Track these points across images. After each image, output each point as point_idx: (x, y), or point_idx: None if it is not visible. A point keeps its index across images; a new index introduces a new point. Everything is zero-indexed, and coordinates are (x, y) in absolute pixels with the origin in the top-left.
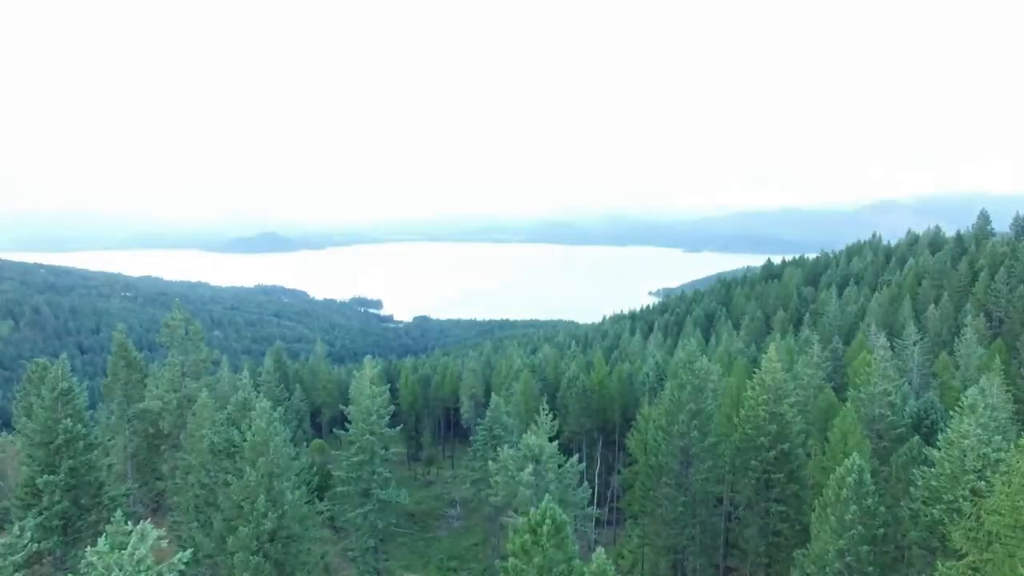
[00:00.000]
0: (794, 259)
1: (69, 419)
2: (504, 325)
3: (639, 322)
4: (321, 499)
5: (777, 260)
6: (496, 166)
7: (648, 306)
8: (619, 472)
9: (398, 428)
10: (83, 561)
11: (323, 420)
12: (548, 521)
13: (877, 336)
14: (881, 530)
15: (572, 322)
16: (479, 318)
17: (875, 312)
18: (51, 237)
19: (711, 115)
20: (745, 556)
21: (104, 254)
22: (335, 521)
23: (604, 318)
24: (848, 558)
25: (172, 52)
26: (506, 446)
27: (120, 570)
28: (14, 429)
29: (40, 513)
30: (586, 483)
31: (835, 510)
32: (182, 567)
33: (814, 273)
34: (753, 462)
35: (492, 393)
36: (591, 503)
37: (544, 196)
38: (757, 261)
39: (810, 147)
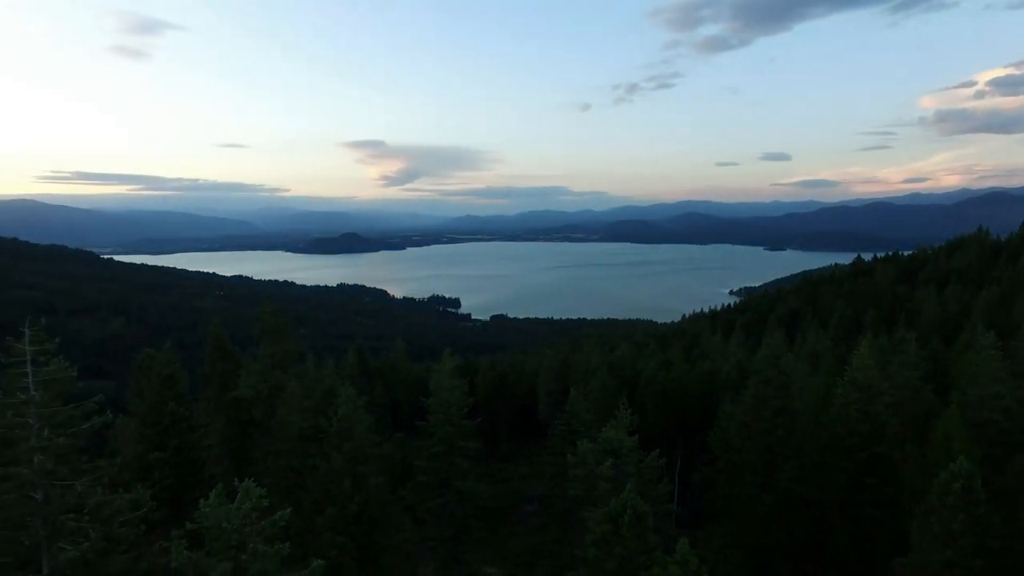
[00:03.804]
0: (887, 256)
1: (174, 402)
2: (580, 324)
3: (719, 321)
4: (402, 488)
5: (867, 257)
6: (570, 165)
7: (728, 305)
8: (700, 470)
9: (476, 422)
10: (197, 512)
11: (403, 414)
12: (629, 511)
13: (985, 336)
14: (997, 543)
15: (650, 321)
16: (556, 317)
17: (981, 311)
18: (155, 240)
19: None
20: (835, 562)
21: (200, 255)
22: (415, 511)
23: (683, 317)
24: (957, 570)
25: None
26: (584, 440)
27: (228, 522)
28: (128, 411)
29: (152, 486)
30: (666, 479)
31: (940, 518)
32: (283, 524)
33: (909, 270)
34: (843, 463)
35: (570, 389)
36: (671, 500)
37: (620, 194)
38: (844, 259)
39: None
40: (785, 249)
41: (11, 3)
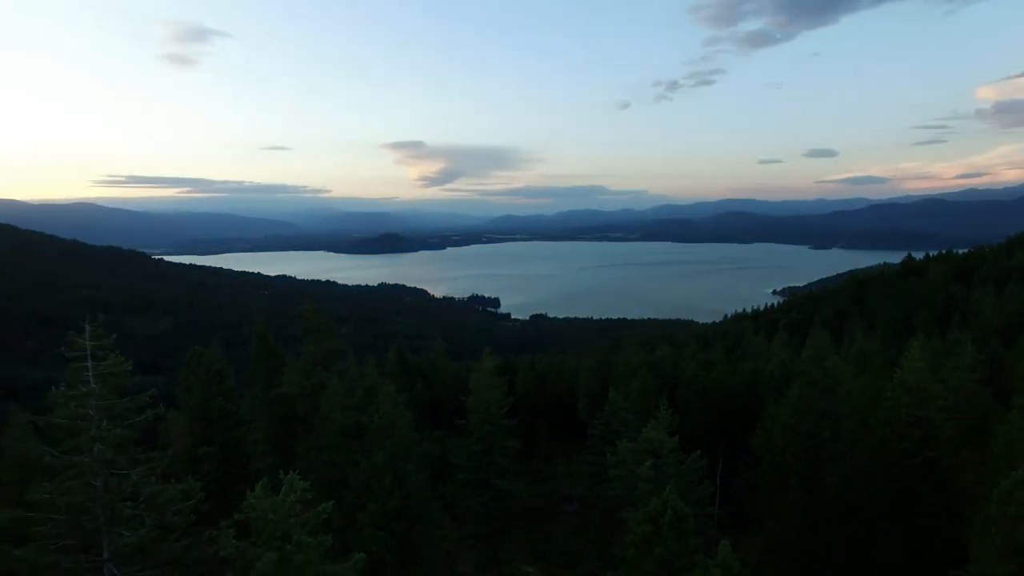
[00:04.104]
0: (940, 254)
1: (221, 398)
2: (620, 324)
3: (762, 322)
4: (441, 486)
5: (919, 256)
6: (609, 164)
7: (771, 305)
8: (742, 473)
9: (515, 421)
10: (244, 503)
11: (442, 413)
12: (669, 512)
13: None
14: None
15: (691, 322)
16: (595, 317)
17: None
18: (203, 241)
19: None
20: (884, 572)
21: (245, 256)
22: (454, 509)
23: (725, 317)
24: None
25: None
26: (624, 440)
27: (273, 513)
28: (177, 406)
29: (201, 478)
30: (707, 481)
31: (1000, 529)
32: (325, 517)
33: (964, 269)
34: (893, 469)
35: (610, 389)
36: (712, 502)
37: (660, 192)
38: (893, 258)
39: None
40: (831, 248)
41: (72, 19)
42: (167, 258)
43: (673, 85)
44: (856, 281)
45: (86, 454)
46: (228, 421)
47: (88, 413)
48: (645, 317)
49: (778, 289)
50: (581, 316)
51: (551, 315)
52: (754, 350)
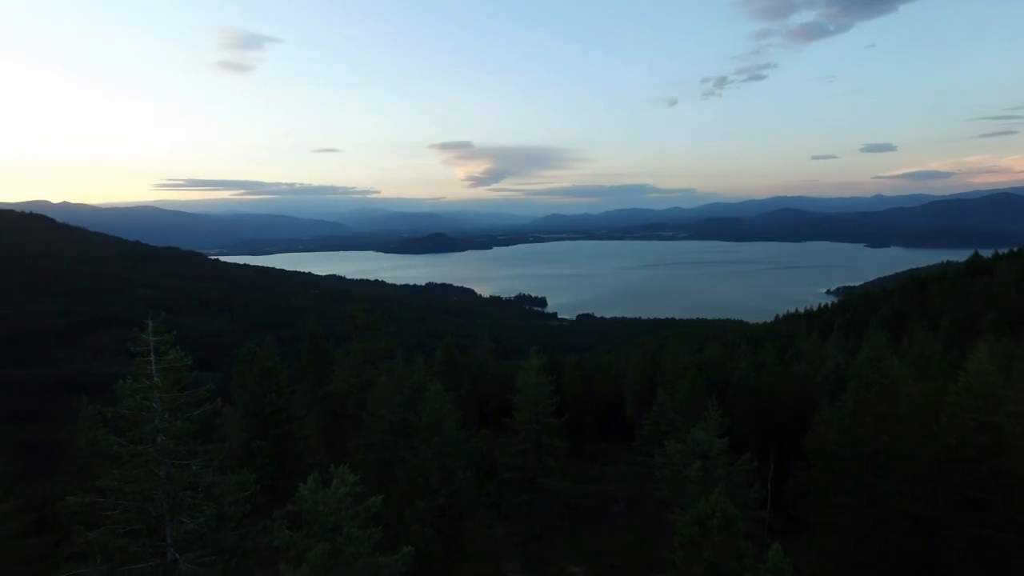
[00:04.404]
0: (1011, 252)
1: (274, 394)
2: (669, 324)
3: (815, 322)
4: (488, 484)
5: (987, 254)
6: (657, 162)
7: (825, 305)
8: (794, 477)
9: (562, 420)
10: (296, 495)
11: (489, 411)
12: (718, 514)
13: None
14: None
15: (741, 322)
16: (642, 316)
17: None
18: (256, 241)
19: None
20: None
21: (297, 256)
22: (501, 507)
23: (776, 318)
24: None
25: None
26: (672, 441)
27: (324, 505)
28: (232, 402)
29: (254, 471)
30: (757, 484)
31: None
32: (374, 510)
33: None
34: (957, 476)
35: (657, 389)
36: (763, 506)
37: (709, 190)
38: (957, 256)
39: None
40: (888, 246)
41: (131, 31)
42: (223, 258)
43: (722, 81)
44: (917, 280)
45: (150, 444)
46: (280, 417)
47: (151, 405)
48: (693, 317)
49: (832, 289)
50: (628, 316)
51: (598, 314)
52: (807, 351)
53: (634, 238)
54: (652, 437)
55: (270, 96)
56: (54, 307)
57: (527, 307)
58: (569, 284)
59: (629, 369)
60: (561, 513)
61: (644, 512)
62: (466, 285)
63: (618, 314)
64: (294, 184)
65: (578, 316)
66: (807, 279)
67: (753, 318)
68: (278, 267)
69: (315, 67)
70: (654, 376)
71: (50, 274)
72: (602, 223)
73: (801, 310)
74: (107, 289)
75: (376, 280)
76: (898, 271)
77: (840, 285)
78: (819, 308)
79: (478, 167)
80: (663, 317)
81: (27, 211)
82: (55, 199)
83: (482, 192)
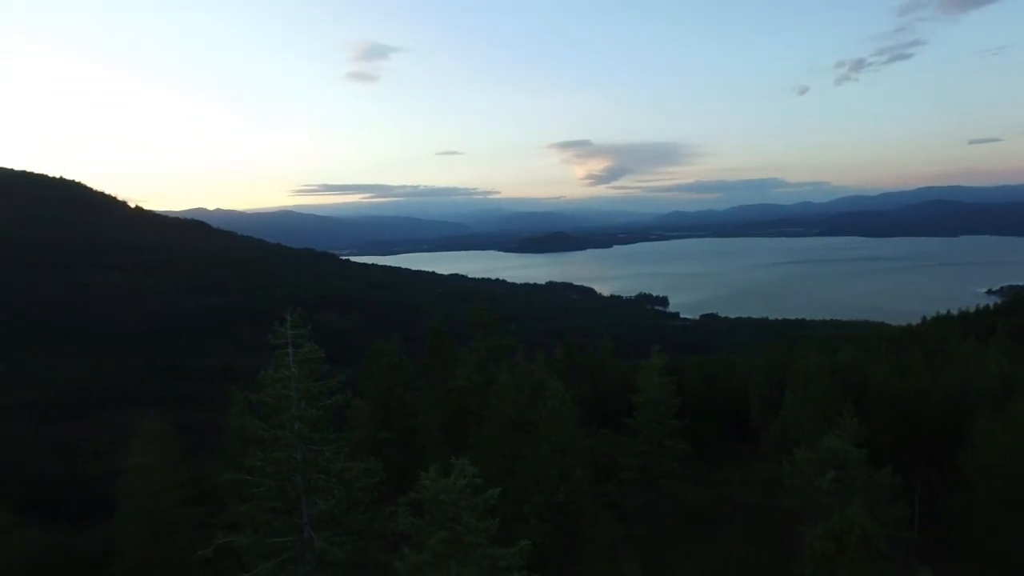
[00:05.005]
0: None
1: (399, 388)
2: (798, 325)
3: (972, 324)
4: (607, 484)
5: None
6: (785, 155)
7: (986, 306)
8: (948, 496)
9: (684, 422)
10: (418, 483)
11: (609, 410)
12: (856, 530)
13: None
14: None
15: (880, 323)
16: (770, 317)
17: None
18: (383, 242)
19: None
20: None
21: (421, 256)
22: (619, 508)
23: (923, 319)
24: None
25: None
26: (802, 448)
27: (445, 495)
28: (361, 394)
29: (381, 461)
30: (903, 501)
31: None
32: (492, 502)
33: None
34: None
35: (786, 393)
36: (910, 527)
37: (844, 183)
38: None
39: None
40: None
41: (270, 51)
42: (352, 258)
43: (859, 64)
44: None
45: (288, 429)
46: (405, 410)
47: (289, 394)
48: (826, 318)
49: (995, 288)
50: (755, 316)
51: (722, 314)
52: (962, 357)
53: (760, 235)
54: (779, 443)
55: (396, 103)
56: (210, 303)
57: (648, 306)
58: (692, 283)
59: (755, 371)
60: (682, 517)
61: (770, 522)
62: (586, 284)
63: (744, 314)
64: (418, 186)
65: (701, 316)
66: (962, 277)
67: (895, 320)
68: (404, 267)
69: (438, 73)
70: (782, 379)
71: (207, 274)
72: (726, 220)
73: (954, 311)
74: (253, 287)
75: (497, 279)
76: None
77: (1005, 284)
78: (977, 309)
79: (597, 165)
80: (792, 318)
81: (188, 218)
82: (210, 206)
83: (602, 190)
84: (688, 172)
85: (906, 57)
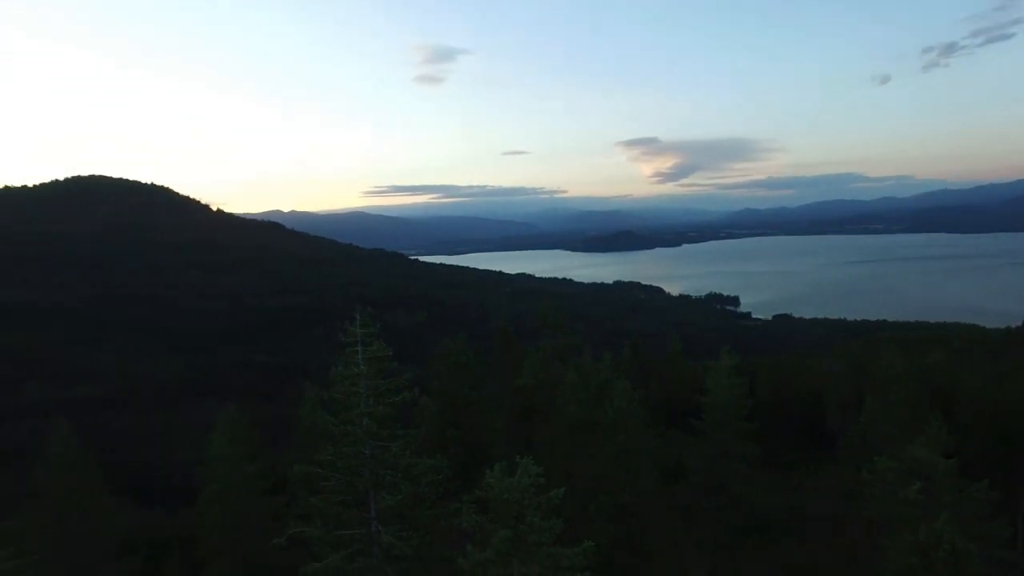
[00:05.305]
0: None
1: (466, 386)
2: (880, 326)
3: None
4: (674, 487)
5: None
6: (865, 147)
7: None
8: None
9: (756, 425)
10: (483, 481)
11: (676, 411)
12: (946, 546)
13: None
14: None
15: (973, 326)
16: (848, 318)
17: None
18: (450, 242)
19: None
20: None
21: (488, 255)
22: (687, 512)
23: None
24: None
25: None
26: (884, 457)
27: (509, 493)
28: (428, 392)
29: (447, 458)
30: (1000, 519)
31: None
32: (556, 502)
33: None
34: None
35: (866, 397)
36: (1012, 546)
37: (930, 176)
38: None
39: None
40: None
41: (341, 58)
42: (421, 258)
43: (949, 48)
44: None
45: (357, 425)
46: (472, 408)
47: (359, 391)
48: (911, 319)
49: None
50: (831, 317)
51: (797, 315)
52: None
53: (837, 232)
54: (858, 450)
55: (462, 104)
56: (285, 302)
57: (718, 306)
58: (764, 282)
59: (832, 373)
60: (752, 524)
61: (846, 532)
62: (654, 283)
63: (820, 315)
64: (485, 186)
65: (774, 316)
66: None
67: (990, 323)
68: (471, 266)
69: (503, 74)
70: (862, 382)
71: (282, 274)
72: (800, 217)
73: None
74: (325, 286)
75: (564, 278)
76: None
77: None
78: None
79: (665, 163)
80: (873, 319)
81: (265, 220)
82: (286, 208)
83: (670, 188)
84: (760, 168)
85: (1006, 37)
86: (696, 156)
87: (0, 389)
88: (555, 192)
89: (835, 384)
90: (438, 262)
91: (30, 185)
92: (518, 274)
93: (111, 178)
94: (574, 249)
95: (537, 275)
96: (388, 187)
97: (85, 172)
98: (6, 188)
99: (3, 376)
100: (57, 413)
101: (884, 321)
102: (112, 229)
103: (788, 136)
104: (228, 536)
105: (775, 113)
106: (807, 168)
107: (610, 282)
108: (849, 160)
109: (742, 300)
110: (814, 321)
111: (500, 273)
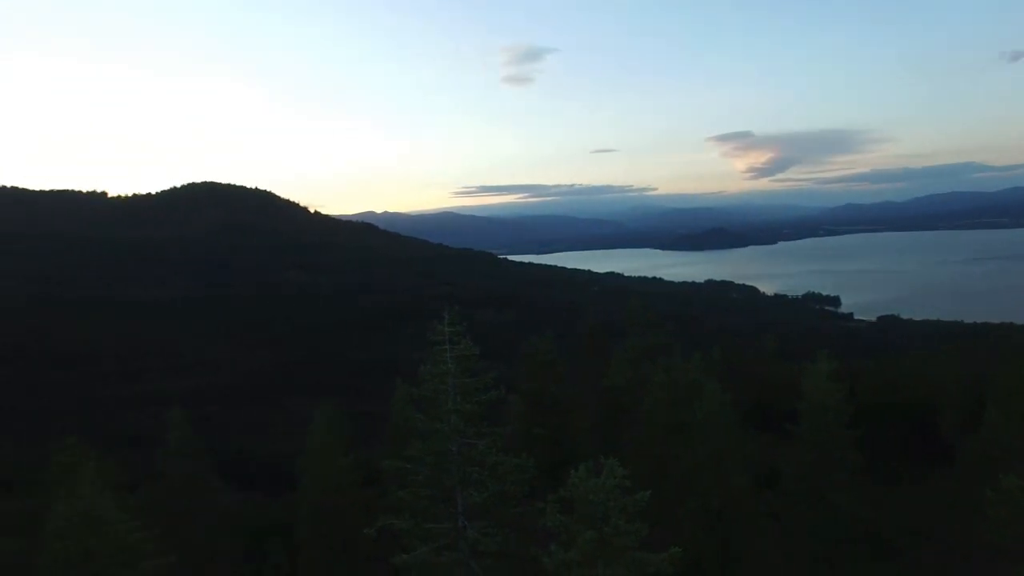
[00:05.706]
0: None
1: (553, 385)
2: (1002, 330)
3: None
4: (768, 493)
5: None
6: (987, 134)
7: None
8: None
9: (857, 433)
10: (568, 481)
11: (770, 415)
12: None
13: None
14: None
15: None
16: (965, 320)
17: None
18: (538, 241)
19: None
20: None
21: (576, 254)
22: (781, 520)
23: None
24: None
25: None
26: (1012, 475)
27: (594, 494)
28: (515, 391)
29: (533, 456)
30: None
31: None
32: (642, 505)
33: None
34: None
35: (987, 407)
36: None
37: None
38: None
39: None
40: None
41: (433, 62)
42: (509, 257)
43: None
44: None
45: (445, 422)
46: (558, 407)
47: (446, 389)
48: None
49: None
50: (945, 319)
51: (904, 316)
52: None
53: (954, 227)
54: (978, 465)
55: (549, 103)
56: (378, 301)
57: (817, 306)
58: (868, 281)
59: (947, 379)
60: (852, 537)
61: (962, 555)
62: (748, 282)
63: (931, 316)
64: (573, 185)
65: (879, 317)
66: None
67: None
68: (559, 265)
69: (590, 71)
70: (983, 390)
71: (375, 273)
72: (909, 211)
73: None
74: (416, 285)
75: (654, 277)
76: None
77: None
78: None
79: (760, 157)
80: (995, 321)
81: (359, 220)
82: (379, 209)
83: (765, 184)
84: (864, 160)
85: None
86: (793, 149)
87: (124, 379)
88: (644, 190)
89: (950, 391)
90: (527, 261)
91: (153, 192)
92: (607, 273)
93: (221, 184)
94: (664, 247)
95: (626, 274)
96: (477, 187)
97: (199, 179)
98: (133, 196)
99: (127, 368)
100: (173, 403)
101: (1010, 324)
102: (222, 231)
103: (896, 125)
104: (323, 525)
105: (881, 100)
106: (918, 159)
107: (701, 281)
108: (967, 148)
109: (843, 300)
110: (924, 323)
111: (589, 272)
